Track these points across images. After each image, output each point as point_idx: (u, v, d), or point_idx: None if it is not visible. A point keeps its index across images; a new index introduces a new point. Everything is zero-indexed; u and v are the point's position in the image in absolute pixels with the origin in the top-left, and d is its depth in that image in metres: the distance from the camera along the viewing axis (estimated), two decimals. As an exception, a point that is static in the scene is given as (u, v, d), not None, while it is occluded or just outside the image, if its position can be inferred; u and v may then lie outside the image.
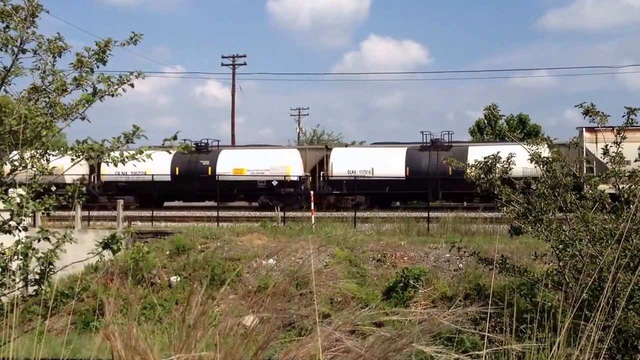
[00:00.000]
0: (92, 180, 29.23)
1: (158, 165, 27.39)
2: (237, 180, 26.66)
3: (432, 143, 26.93)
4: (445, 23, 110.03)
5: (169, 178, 27.77)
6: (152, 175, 26.13)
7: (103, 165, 27.89)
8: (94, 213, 21.82)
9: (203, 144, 28.92)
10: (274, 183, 26.30)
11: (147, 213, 22.84)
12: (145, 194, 26.47)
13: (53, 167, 4.89)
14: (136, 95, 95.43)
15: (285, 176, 25.72)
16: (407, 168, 26.10)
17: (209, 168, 27.57)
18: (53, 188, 25.83)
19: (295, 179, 26.54)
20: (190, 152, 27.85)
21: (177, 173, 27.96)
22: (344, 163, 26.77)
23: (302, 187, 27.16)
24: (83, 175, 28.38)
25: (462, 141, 30.71)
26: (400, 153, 26.65)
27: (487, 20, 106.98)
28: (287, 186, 25.85)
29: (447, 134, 27.31)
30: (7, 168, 4.76)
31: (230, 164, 27.45)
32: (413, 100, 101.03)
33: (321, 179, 27.56)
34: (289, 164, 26.70)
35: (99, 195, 27.97)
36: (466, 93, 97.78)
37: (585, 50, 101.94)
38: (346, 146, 31.19)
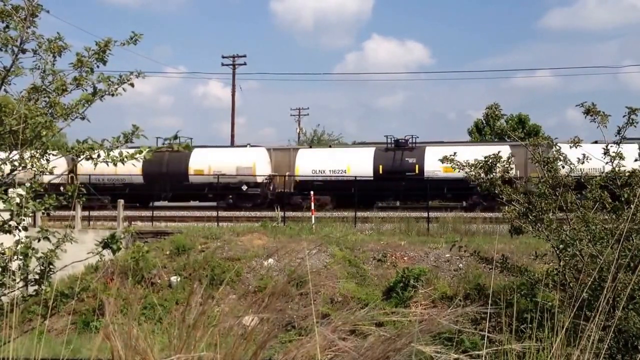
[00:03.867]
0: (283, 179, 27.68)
1: (359, 163, 26.23)
2: (447, 179, 23.32)
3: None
4: (448, 23, 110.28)
5: (370, 177, 25.70)
6: (354, 175, 24.52)
7: (297, 163, 26.96)
8: (94, 213, 21.81)
9: (404, 141, 27.21)
10: None
11: (147, 213, 22.83)
12: (344, 194, 25.10)
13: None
14: (138, 95, 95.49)
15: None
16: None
17: (416, 166, 25.81)
18: (242, 187, 24.06)
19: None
20: (393, 149, 26.70)
21: (380, 172, 25.99)
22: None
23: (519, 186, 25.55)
24: (269, 175, 27.66)
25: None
26: (633, 149, 23.76)
27: (489, 20, 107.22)
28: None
29: None
30: (7, 168, 4.75)
31: (439, 162, 25.37)
32: (415, 100, 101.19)
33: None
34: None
35: (293, 194, 26.70)
36: (468, 93, 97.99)
37: (588, 50, 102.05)
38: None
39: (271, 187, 27.75)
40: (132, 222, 20.34)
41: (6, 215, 4.51)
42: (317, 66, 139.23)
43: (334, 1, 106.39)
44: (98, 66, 4.90)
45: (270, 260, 15.94)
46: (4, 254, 4.40)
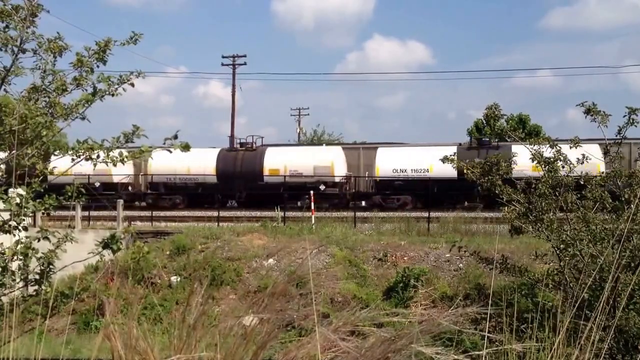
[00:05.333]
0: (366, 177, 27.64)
1: (442, 163, 25.47)
2: (537, 179, 22.74)
3: None
4: (450, 23, 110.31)
5: (454, 177, 23.62)
6: (436, 175, 23.82)
7: (378, 163, 26.57)
8: (94, 213, 21.81)
9: (487, 139, 26.67)
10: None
11: (147, 213, 22.83)
12: (422, 194, 24.47)
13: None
14: (139, 95, 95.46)
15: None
16: None
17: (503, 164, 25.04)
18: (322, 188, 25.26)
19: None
20: (477, 147, 25.80)
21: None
22: None
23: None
24: (347, 174, 27.57)
25: None
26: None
27: (490, 19, 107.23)
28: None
29: None
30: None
31: (527, 161, 24.25)
32: (416, 100, 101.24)
33: None
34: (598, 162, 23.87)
35: (372, 195, 26.37)
36: (469, 93, 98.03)
37: (588, 50, 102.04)
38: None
39: (347, 187, 27.46)
40: (132, 222, 20.34)
41: (6, 215, 4.50)
42: (317, 66, 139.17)
43: (335, 1, 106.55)
44: (98, 66, 4.89)
45: (271, 261, 15.94)
46: (4, 254, 4.39)
